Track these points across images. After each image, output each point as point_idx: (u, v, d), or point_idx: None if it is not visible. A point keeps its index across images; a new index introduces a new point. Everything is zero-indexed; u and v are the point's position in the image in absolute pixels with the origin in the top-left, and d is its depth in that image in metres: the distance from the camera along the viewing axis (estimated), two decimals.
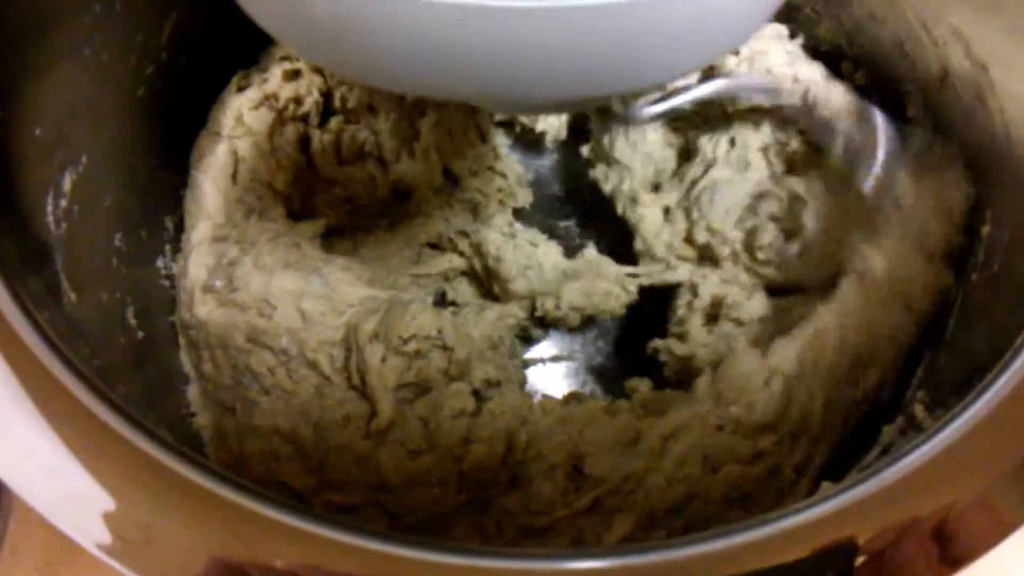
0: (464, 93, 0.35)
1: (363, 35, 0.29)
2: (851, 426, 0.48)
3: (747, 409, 0.45)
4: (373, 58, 0.31)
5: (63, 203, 0.44)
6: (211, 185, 0.55)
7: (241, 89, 0.58)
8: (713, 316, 0.55)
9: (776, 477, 0.45)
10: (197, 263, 0.53)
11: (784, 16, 0.59)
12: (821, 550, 0.30)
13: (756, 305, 0.54)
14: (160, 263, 0.55)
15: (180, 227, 0.56)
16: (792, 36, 0.59)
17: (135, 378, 0.47)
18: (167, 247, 0.55)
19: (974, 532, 0.31)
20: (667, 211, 0.60)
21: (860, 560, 0.30)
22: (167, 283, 0.54)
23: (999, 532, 0.31)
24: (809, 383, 0.46)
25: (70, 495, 0.31)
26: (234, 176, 0.56)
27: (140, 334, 0.50)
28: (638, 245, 0.60)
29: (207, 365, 0.51)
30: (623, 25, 0.28)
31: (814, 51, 0.58)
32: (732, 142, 0.58)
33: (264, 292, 0.50)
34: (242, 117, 0.57)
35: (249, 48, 0.59)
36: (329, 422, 0.48)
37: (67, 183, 0.45)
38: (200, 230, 0.54)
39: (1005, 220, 0.43)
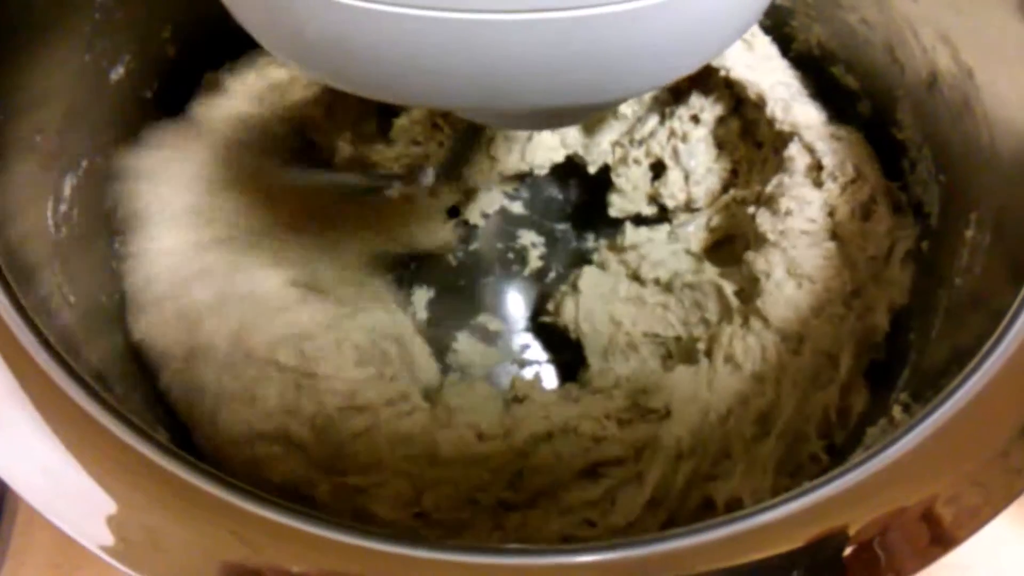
0: (454, 104, 0.36)
1: (356, 49, 0.30)
2: (810, 416, 0.49)
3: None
4: (367, 71, 0.31)
5: (63, 208, 0.45)
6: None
7: None
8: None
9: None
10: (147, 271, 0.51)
11: (778, 20, 0.59)
12: (814, 540, 0.31)
13: None
14: None
15: None
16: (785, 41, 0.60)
17: (134, 378, 0.48)
18: None
19: (957, 519, 0.32)
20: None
21: (849, 550, 0.31)
22: None
23: (981, 518, 0.32)
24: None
25: (72, 497, 0.31)
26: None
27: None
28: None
29: (165, 377, 0.50)
30: (613, 34, 0.28)
31: (806, 55, 0.59)
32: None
33: (184, 306, 0.49)
34: None
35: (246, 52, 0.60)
36: (334, 411, 0.48)
37: (67, 188, 0.45)
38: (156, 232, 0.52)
39: (987, 224, 0.43)
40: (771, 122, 0.56)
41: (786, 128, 0.55)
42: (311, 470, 0.48)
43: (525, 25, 0.26)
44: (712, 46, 0.32)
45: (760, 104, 0.57)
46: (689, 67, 0.33)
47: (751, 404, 0.48)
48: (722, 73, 0.58)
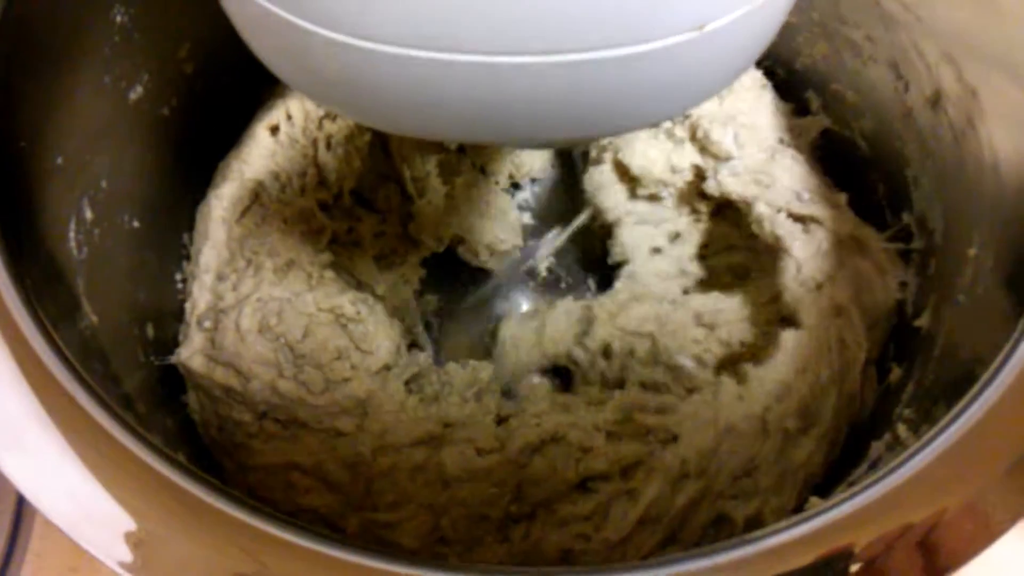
0: (463, 137, 0.37)
1: (371, 86, 0.31)
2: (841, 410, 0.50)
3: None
4: (381, 106, 0.32)
5: (85, 227, 0.46)
6: (220, 212, 0.56)
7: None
8: None
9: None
10: (200, 291, 0.54)
11: (783, 36, 0.60)
12: (821, 558, 0.32)
13: None
14: (178, 277, 0.57)
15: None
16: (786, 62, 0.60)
17: (154, 392, 0.49)
18: (184, 262, 0.57)
19: (963, 538, 0.32)
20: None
21: (856, 567, 0.32)
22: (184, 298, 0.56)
23: (987, 537, 0.32)
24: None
25: (91, 514, 0.32)
26: (245, 212, 0.56)
27: (159, 348, 0.52)
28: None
29: (192, 398, 0.51)
30: (617, 76, 0.29)
31: (811, 69, 0.60)
32: None
33: (237, 360, 0.50)
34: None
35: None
36: (368, 453, 0.50)
37: (88, 208, 0.46)
38: (207, 256, 0.54)
39: (990, 244, 0.44)
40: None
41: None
42: (343, 506, 0.49)
43: (529, 68, 0.27)
44: (710, 87, 0.33)
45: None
46: (694, 103, 0.34)
47: (794, 394, 0.49)
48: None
